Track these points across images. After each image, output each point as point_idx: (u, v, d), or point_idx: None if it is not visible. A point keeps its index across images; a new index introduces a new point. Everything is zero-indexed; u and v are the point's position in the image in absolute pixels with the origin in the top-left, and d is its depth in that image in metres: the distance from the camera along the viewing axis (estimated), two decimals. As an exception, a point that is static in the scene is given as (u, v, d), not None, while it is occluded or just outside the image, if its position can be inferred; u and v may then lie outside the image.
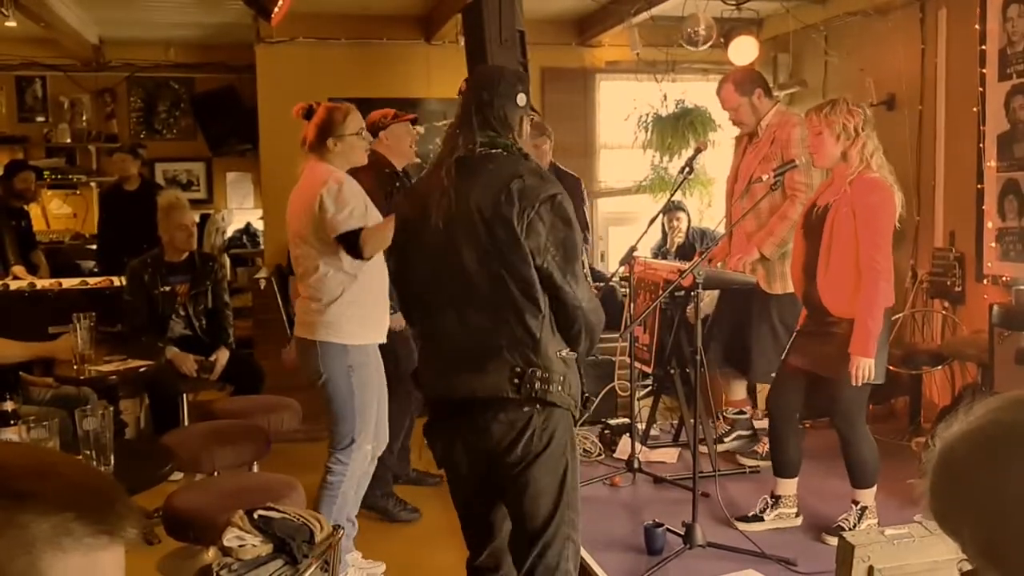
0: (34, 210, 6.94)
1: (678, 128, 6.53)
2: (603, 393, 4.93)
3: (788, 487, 3.72)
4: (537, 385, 2.31)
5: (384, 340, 3.44)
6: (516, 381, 2.30)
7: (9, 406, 2.72)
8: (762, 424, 4.52)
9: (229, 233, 7.90)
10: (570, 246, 2.31)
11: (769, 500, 3.74)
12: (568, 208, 2.31)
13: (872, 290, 3.31)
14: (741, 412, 4.77)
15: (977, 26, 4.75)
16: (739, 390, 4.77)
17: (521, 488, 2.36)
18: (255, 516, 2.55)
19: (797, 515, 3.73)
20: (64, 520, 0.75)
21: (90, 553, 0.76)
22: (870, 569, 2.06)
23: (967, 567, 0.95)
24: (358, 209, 3.24)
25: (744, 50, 5.91)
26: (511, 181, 2.29)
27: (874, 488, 3.54)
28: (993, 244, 4.72)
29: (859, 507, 3.54)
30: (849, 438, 3.48)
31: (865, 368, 3.30)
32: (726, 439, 4.69)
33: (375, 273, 3.32)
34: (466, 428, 2.39)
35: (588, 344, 2.41)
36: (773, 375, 4.14)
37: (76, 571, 0.76)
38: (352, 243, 3.22)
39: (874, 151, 3.43)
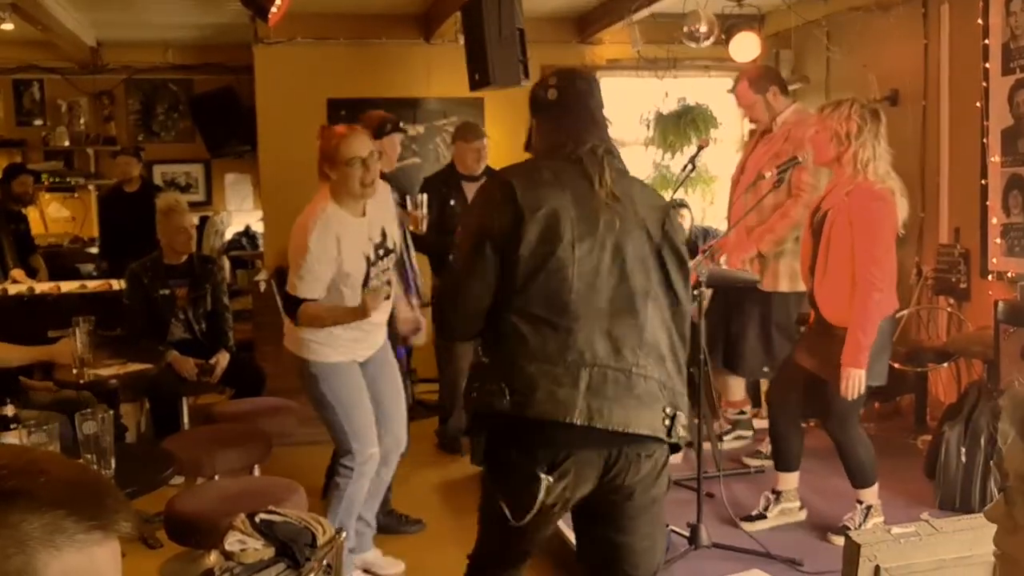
0: (32, 213, 6.93)
1: (680, 126, 6.50)
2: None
3: (789, 481, 3.71)
4: (681, 432, 2.17)
5: (363, 358, 3.42)
6: (667, 423, 2.14)
7: (9, 410, 2.71)
8: (763, 424, 4.50)
9: (228, 235, 7.88)
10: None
11: (771, 496, 3.72)
12: None
13: (865, 302, 3.28)
14: (742, 412, 4.75)
15: (980, 20, 4.72)
16: (737, 390, 4.75)
17: (637, 532, 2.23)
18: (257, 520, 2.53)
19: (801, 508, 3.71)
20: (56, 517, 0.75)
21: (85, 549, 0.76)
22: (876, 568, 2.03)
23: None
24: (314, 272, 3.17)
25: (746, 47, 5.88)
26: (669, 207, 2.25)
27: (876, 486, 3.53)
28: (998, 240, 4.69)
29: (864, 506, 3.52)
30: (842, 441, 3.47)
31: (856, 379, 3.28)
32: (726, 438, 4.66)
33: (345, 300, 3.28)
34: (612, 461, 2.14)
35: None
36: (765, 369, 4.13)
37: (73, 569, 0.75)
38: (292, 310, 3.22)
39: (869, 161, 3.36)
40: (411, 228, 4.14)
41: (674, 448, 2.22)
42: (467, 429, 2.28)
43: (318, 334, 3.30)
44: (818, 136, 3.48)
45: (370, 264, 3.30)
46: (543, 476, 2.08)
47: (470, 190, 5.00)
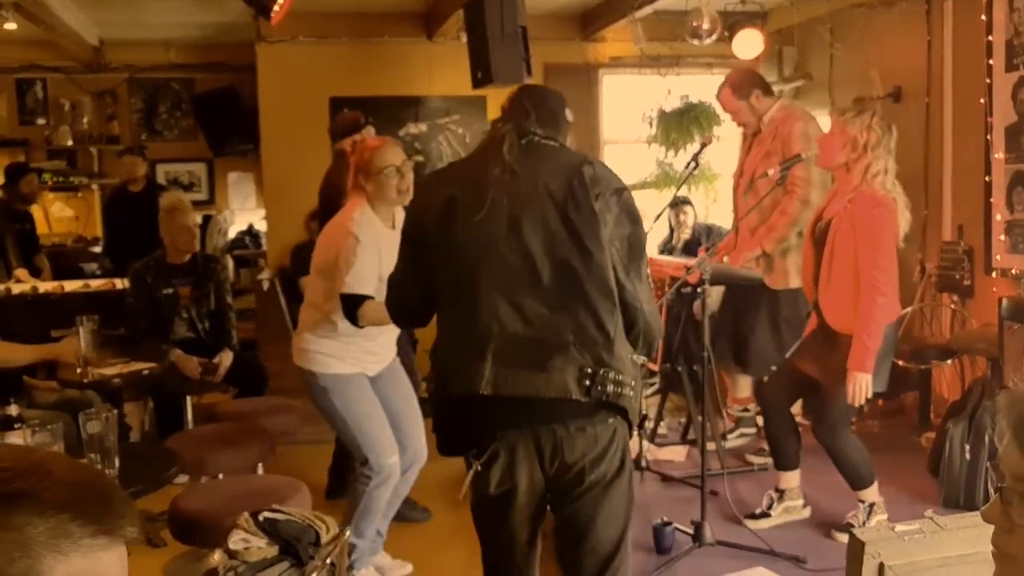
0: (36, 213, 6.93)
1: (683, 123, 6.50)
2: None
3: (791, 479, 3.70)
4: (610, 388, 2.11)
5: (372, 373, 3.42)
6: (587, 383, 2.09)
7: (13, 410, 2.71)
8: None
9: (231, 234, 7.88)
10: (635, 243, 2.20)
11: (774, 495, 3.72)
12: (634, 204, 2.23)
13: (870, 307, 3.27)
14: (746, 410, 4.74)
15: (983, 17, 4.71)
16: (744, 386, 4.75)
17: (596, 510, 2.18)
18: (260, 518, 2.53)
19: (805, 506, 3.71)
20: (61, 521, 0.74)
21: (90, 554, 0.75)
22: (880, 565, 2.03)
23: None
24: (367, 269, 3.17)
25: (749, 43, 5.88)
26: (582, 166, 2.18)
27: (875, 484, 3.52)
28: (1002, 237, 4.68)
29: (866, 504, 3.52)
30: (833, 447, 3.46)
31: (863, 384, 3.27)
32: (730, 435, 4.66)
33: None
34: (541, 442, 2.13)
35: (646, 350, 2.27)
36: (773, 368, 4.12)
37: (78, 573, 0.74)
38: (351, 308, 3.17)
39: (879, 173, 3.35)
40: None
41: (612, 409, 2.14)
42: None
43: (328, 346, 3.30)
44: (830, 138, 3.45)
45: None
46: (473, 462, 2.17)
47: None
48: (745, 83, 4.46)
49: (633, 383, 2.16)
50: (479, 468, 2.16)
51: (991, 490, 3.68)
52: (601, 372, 2.10)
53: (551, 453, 2.15)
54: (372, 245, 3.19)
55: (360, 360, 3.37)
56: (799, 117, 4.34)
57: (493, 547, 2.31)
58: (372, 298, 3.14)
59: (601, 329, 2.13)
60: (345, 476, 3.90)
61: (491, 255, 2.15)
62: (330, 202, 3.79)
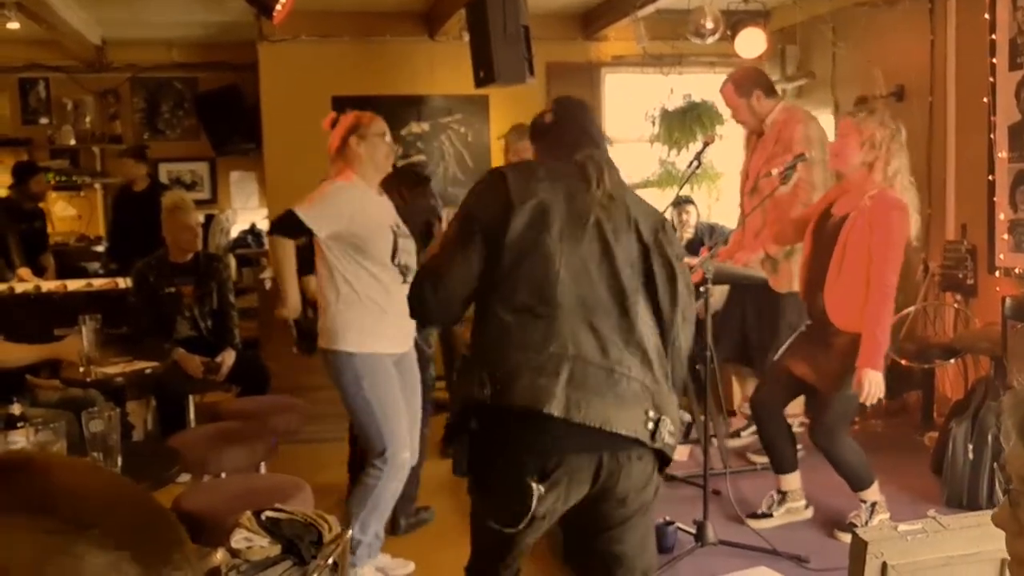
0: (39, 212, 6.94)
1: (685, 122, 6.49)
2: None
3: (791, 482, 3.69)
4: (667, 439, 2.11)
5: (398, 351, 3.39)
6: (651, 427, 2.09)
7: (16, 409, 2.71)
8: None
9: (234, 233, 7.88)
10: (693, 317, 2.27)
11: (776, 496, 3.71)
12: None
13: (881, 304, 3.27)
14: None
15: (986, 15, 4.70)
16: (753, 385, 4.73)
17: (633, 538, 2.20)
18: (263, 517, 2.53)
19: (807, 507, 3.70)
20: (120, 559, 0.72)
21: None
22: (883, 565, 2.02)
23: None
24: (329, 209, 3.26)
25: (751, 42, 5.87)
26: (662, 217, 2.24)
27: (875, 484, 3.52)
28: (1005, 236, 4.68)
29: (868, 503, 3.52)
30: (829, 450, 3.46)
31: (876, 382, 3.25)
32: (743, 433, 4.65)
33: (374, 284, 3.28)
34: (603, 467, 2.09)
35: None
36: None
37: None
38: (282, 224, 3.31)
39: (897, 172, 3.36)
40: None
41: (662, 458, 2.17)
42: (449, 425, 2.24)
43: (365, 321, 3.28)
44: (844, 140, 3.42)
45: (396, 236, 3.33)
46: (534, 486, 2.04)
47: None
48: (748, 81, 4.45)
49: (677, 434, 2.19)
50: (542, 493, 2.05)
51: (998, 491, 3.69)
52: (661, 419, 2.11)
53: (606, 477, 2.11)
54: (351, 199, 3.25)
55: (395, 337, 3.35)
56: (800, 120, 4.33)
57: (501, 551, 2.25)
58: (303, 233, 3.24)
59: (666, 376, 2.17)
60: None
61: (582, 275, 2.12)
62: None
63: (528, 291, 2.11)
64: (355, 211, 3.26)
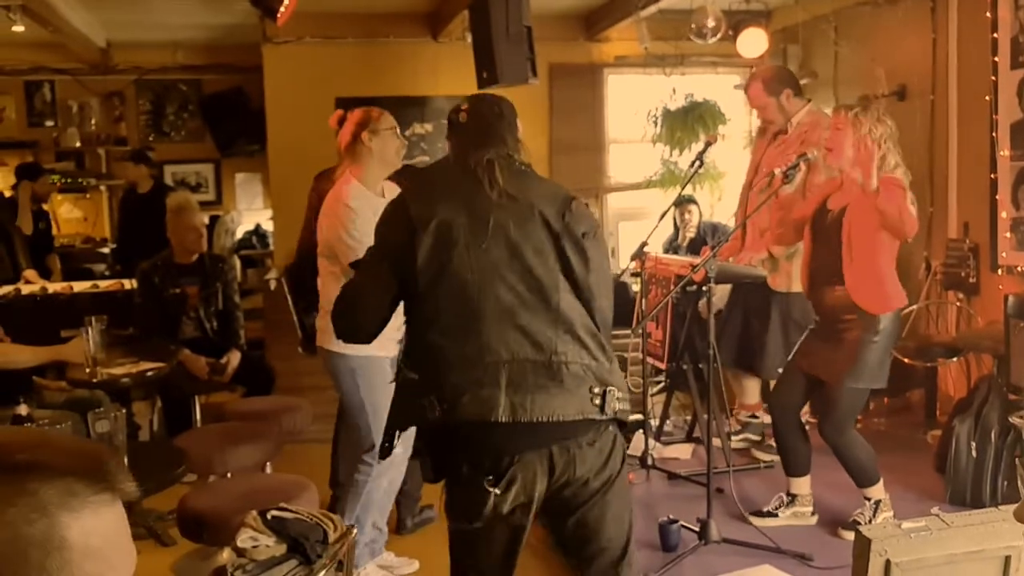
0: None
1: (687, 122, 6.50)
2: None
3: (802, 485, 3.69)
4: (617, 405, 2.21)
5: (391, 355, 3.42)
6: (598, 402, 2.18)
7: (23, 410, 2.74)
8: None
9: (239, 234, 7.91)
10: (611, 282, 2.36)
11: (785, 498, 3.71)
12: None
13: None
14: (754, 416, 4.73)
15: (988, 14, 4.70)
16: (752, 393, 4.73)
17: (602, 513, 2.27)
18: (268, 516, 2.54)
19: (813, 514, 3.70)
20: (67, 483, 0.81)
21: (98, 511, 0.82)
22: (887, 563, 2.03)
23: None
24: (367, 235, 3.23)
25: (753, 42, 5.88)
26: (570, 199, 2.29)
27: (881, 482, 3.52)
28: (1008, 234, 4.68)
29: (872, 501, 3.52)
30: (839, 445, 3.46)
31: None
32: (734, 438, 4.65)
33: None
34: (555, 459, 2.17)
35: None
36: (779, 370, 4.12)
37: (92, 529, 0.81)
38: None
39: (897, 165, 3.38)
40: None
41: (620, 425, 2.26)
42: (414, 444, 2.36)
43: None
44: (840, 135, 3.44)
45: None
46: (490, 489, 2.15)
47: None
48: (777, 80, 4.43)
49: (625, 395, 2.26)
50: (498, 493, 2.16)
51: (1000, 486, 3.69)
52: (607, 391, 2.19)
53: (562, 468, 2.19)
54: (367, 211, 3.23)
55: (391, 341, 3.37)
56: (826, 124, 4.32)
57: (487, 563, 2.30)
58: None
59: (602, 350, 2.23)
60: None
61: (496, 281, 2.18)
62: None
63: (450, 311, 2.19)
64: (371, 216, 3.28)
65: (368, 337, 2.38)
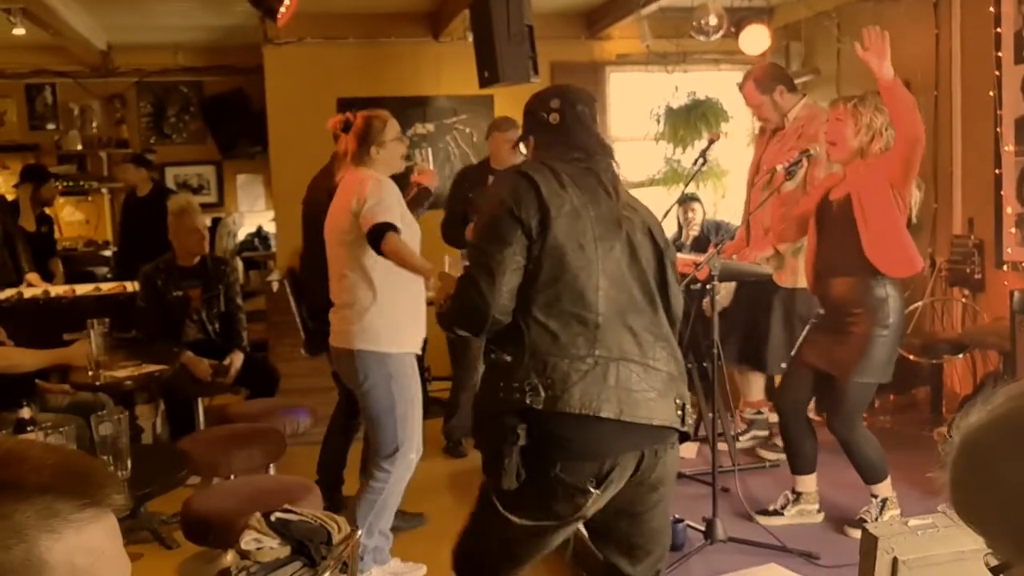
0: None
1: (690, 120, 6.48)
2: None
3: (808, 483, 3.68)
4: (690, 421, 2.29)
5: (419, 351, 3.41)
6: (679, 413, 2.26)
7: (26, 413, 2.73)
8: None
9: (241, 236, 7.91)
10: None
11: (790, 496, 3.70)
12: None
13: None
14: (759, 412, 4.72)
15: (992, 9, 4.69)
16: (757, 389, 4.72)
17: (658, 517, 2.37)
18: (272, 519, 2.54)
19: (819, 511, 3.69)
20: (47, 502, 0.76)
21: (83, 529, 0.77)
22: (894, 560, 2.02)
23: (994, 561, 0.92)
24: (394, 207, 3.21)
25: (755, 39, 5.86)
26: (659, 222, 2.42)
27: (888, 479, 3.51)
28: (1013, 230, 4.66)
29: (879, 499, 3.51)
30: (848, 440, 3.45)
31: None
32: (742, 438, 4.64)
33: (402, 284, 3.27)
34: (646, 461, 2.24)
35: None
36: (783, 365, 4.11)
37: (76, 549, 0.76)
38: (378, 236, 3.11)
39: None
40: (421, 181, 3.92)
41: (683, 436, 2.34)
42: (476, 431, 2.28)
43: (401, 321, 3.27)
44: (840, 127, 3.44)
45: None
46: (593, 491, 2.16)
47: None
48: (769, 77, 4.43)
49: (692, 413, 2.35)
50: (599, 494, 2.18)
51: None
52: (685, 404, 2.28)
53: (646, 470, 2.24)
54: (392, 188, 3.24)
55: (415, 336, 3.36)
56: (825, 119, 4.32)
57: (529, 550, 2.32)
58: (397, 229, 3.12)
59: (681, 365, 2.32)
60: None
61: (618, 279, 2.22)
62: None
63: (571, 298, 2.17)
64: (403, 210, 3.29)
65: (505, 317, 2.18)
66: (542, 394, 2.11)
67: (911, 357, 4.71)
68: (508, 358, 2.18)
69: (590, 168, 2.31)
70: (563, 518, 2.21)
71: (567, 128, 2.38)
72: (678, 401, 2.25)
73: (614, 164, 2.38)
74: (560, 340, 2.15)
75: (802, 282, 4.28)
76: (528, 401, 2.11)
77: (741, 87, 4.55)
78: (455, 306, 2.24)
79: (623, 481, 2.22)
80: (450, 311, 2.27)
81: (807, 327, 3.68)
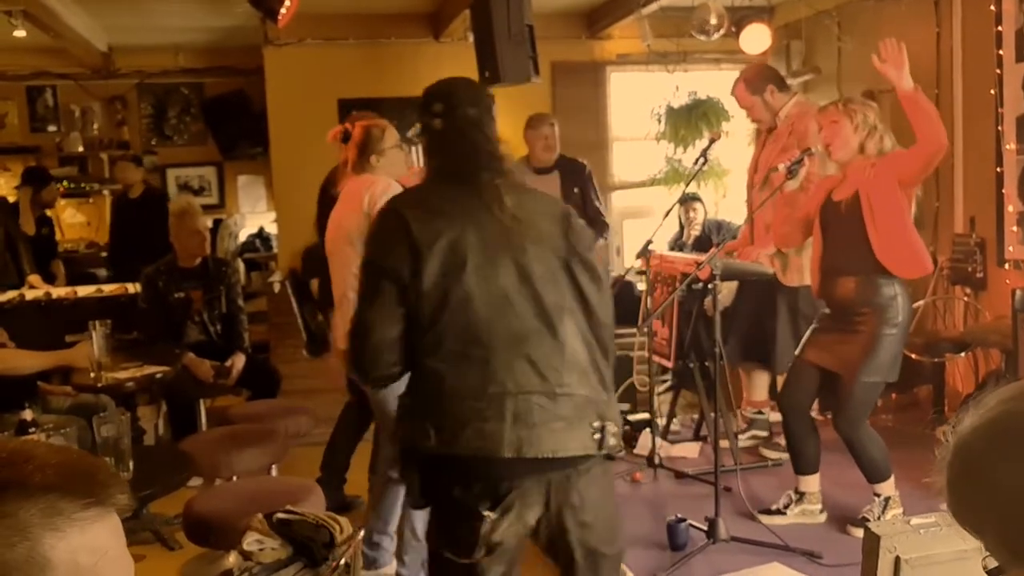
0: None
1: (691, 119, 6.48)
2: (622, 388, 4.89)
3: (811, 483, 3.68)
4: (612, 441, 2.13)
5: None
6: (597, 437, 2.10)
7: (28, 415, 2.74)
8: (779, 416, 4.48)
9: (242, 237, 7.91)
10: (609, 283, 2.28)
11: (793, 496, 3.70)
12: None
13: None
14: (760, 412, 4.71)
15: (992, 7, 4.69)
16: (760, 389, 4.72)
17: (598, 516, 2.21)
18: (274, 519, 2.54)
19: (822, 511, 3.68)
20: (51, 500, 0.76)
21: (86, 527, 0.78)
22: (897, 559, 2.02)
23: (992, 564, 0.92)
24: None
25: (756, 38, 5.86)
26: (568, 214, 2.20)
27: (892, 478, 3.51)
28: (1014, 228, 4.66)
29: (882, 498, 3.50)
30: (853, 439, 3.45)
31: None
32: (741, 436, 4.64)
33: None
34: (553, 487, 2.11)
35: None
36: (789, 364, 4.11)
37: (79, 548, 0.77)
38: None
39: (894, 146, 3.43)
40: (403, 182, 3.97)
41: (608, 458, 2.20)
42: (400, 466, 2.24)
43: None
44: (838, 126, 3.45)
45: None
46: (486, 513, 2.05)
47: (536, 184, 5.00)
48: (759, 78, 4.44)
49: (620, 433, 2.18)
50: (494, 518, 2.06)
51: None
52: (606, 426, 2.11)
53: (559, 496, 2.13)
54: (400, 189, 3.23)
55: None
56: (815, 113, 4.32)
57: None
58: None
59: (603, 383, 2.15)
60: None
61: (506, 307, 2.07)
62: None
63: (455, 337, 2.05)
64: None
65: (386, 371, 2.15)
66: (433, 439, 2.04)
67: (913, 356, 4.71)
68: (408, 399, 2.15)
69: (473, 184, 2.15)
70: (466, 546, 2.08)
71: (450, 136, 2.23)
72: (596, 424, 2.09)
73: (502, 173, 2.19)
74: (448, 382, 2.05)
75: (807, 280, 4.28)
76: (421, 443, 2.07)
77: (733, 90, 4.56)
78: (348, 358, 2.20)
79: (531, 508, 2.10)
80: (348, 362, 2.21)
81: (811, 327, 3.68)
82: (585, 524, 2.18)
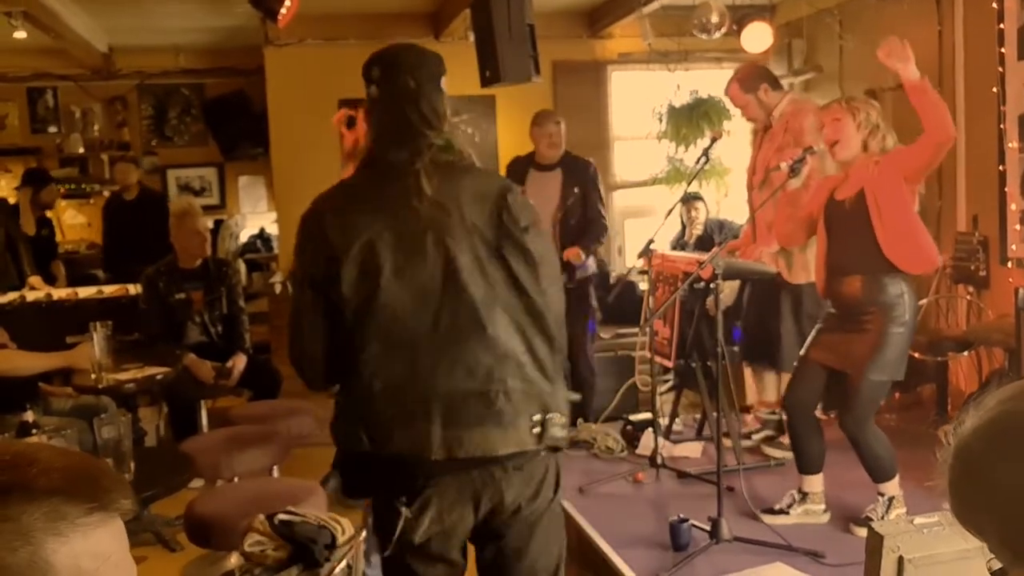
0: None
1: (693, 118, 6.48)
2: (624, 388, 4.88)
3: (815, 483, 3.66)
4: (557, 432, 2.04)
5: None
6: (537, 431, 2.01)
7: (29, 416, 2.73)
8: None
9: (243, 238, 7.91)
10: (559, 271, 2.16)
11: (796, 496, 3.69)
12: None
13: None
14: (773, 412, 4.70)
15: (994, 4, 4.67)
16: (772, 389, 4.71)
17: (526, 544, 2.11)
18: (276, 521, 2.53)
19: (825, 511, 3.67)
20: (54, 505, 0.76)
21: (90, 533, 0.77)
22: (900, 559, 2.01)
23: (996, 565, 0.91)
24: None
25: (757, 37, 5.85)
26: (504, 192, 2.06)
27: (896, 478, 3.50)
28: (1017, 226, 4.65)
29: (886, 497, 3.49)
30: (859, 439, 3.43)
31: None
32: (754, 436, 4.63)
33: None
34: (477, 486, 2.03)
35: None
36: (795, 364, 4.10)
37: (82, 553, 0.76)
38: None
39: (895, 145, 3.42)
40: None
41: (554, 450, 2.12)
42: (334, 463, 2.23)
43: None
44: (840, 125, 3.44)
45: None
46: (403, 509, 2.00)
47: (537, 180, 4.99)
48: (752, 77, 4.45)
49: (567, 422, 2.10)
50: (409, 515, 2.01)
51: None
52: (548, 418, 2.03)
53: (488, 494, 2.05)
54: None
55: None
56: (809, 110, 4.32)
57: None
58: None
59: (544, 373, 2.05)
60: None
61: (430, 305, 1.98)
62: None
63: (380, 340, 1.99)
64: None
65: (321, 377, 2.11)
66: (365, 442, 2.01)
67: (916, 355, 4.70)
68: (340, 399, 2.11)
69: (397, 169, 2.03)
70: (387, 541, 2.04)
71: (383, 107, 2.09)
72: (535, 418, 2.01)
73: (426, 143, 2.04)
74: (375, 384, 1.99)
75: (813, 277, 4.27)
76: (354, 446, 2.04)
77: (727, 89, 4.56)
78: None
79: (456, 508, 2.03)
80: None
81: (816, 327, 3.67)
82: (521, 530, 2.11)
